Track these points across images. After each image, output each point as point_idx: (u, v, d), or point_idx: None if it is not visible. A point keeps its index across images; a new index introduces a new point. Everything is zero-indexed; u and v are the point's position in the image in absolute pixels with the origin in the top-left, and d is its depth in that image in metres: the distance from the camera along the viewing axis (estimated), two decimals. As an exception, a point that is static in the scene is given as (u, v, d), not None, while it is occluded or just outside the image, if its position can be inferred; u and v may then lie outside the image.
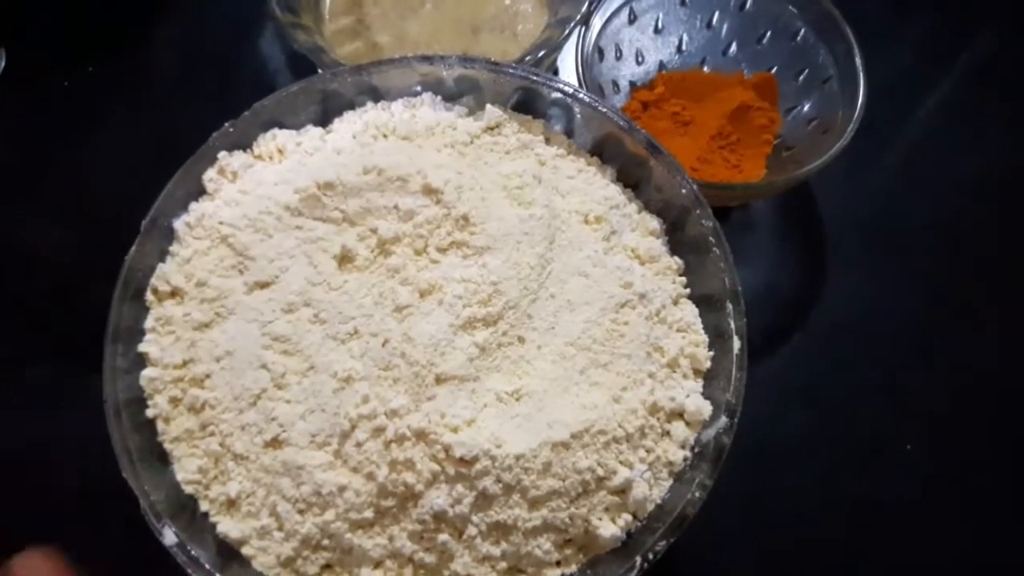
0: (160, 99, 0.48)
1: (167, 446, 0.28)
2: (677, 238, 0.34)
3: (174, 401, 0.29)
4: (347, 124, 0.33)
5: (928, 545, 0.38)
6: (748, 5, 0.45)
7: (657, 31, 0.46)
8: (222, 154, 0.33)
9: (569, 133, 0.35)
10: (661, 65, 0.47)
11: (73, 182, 0.46)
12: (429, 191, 0.31)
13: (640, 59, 0.46)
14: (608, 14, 0.43)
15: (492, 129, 0.34)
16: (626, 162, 0.34)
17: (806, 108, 0.43)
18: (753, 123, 0.44)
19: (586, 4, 0.41)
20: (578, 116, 0.35)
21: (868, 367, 0.42)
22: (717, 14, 0.46)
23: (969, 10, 0.52)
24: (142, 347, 0.29)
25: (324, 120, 0.34)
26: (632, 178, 0.35)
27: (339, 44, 0.45)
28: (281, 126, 0.34)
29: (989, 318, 0.44)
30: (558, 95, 0.34)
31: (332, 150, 0.32)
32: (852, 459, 0.40)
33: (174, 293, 0.30)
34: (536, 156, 0.33)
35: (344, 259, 0.30)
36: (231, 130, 0.33)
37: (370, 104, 0.34)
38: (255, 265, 0.30)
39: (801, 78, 0.44)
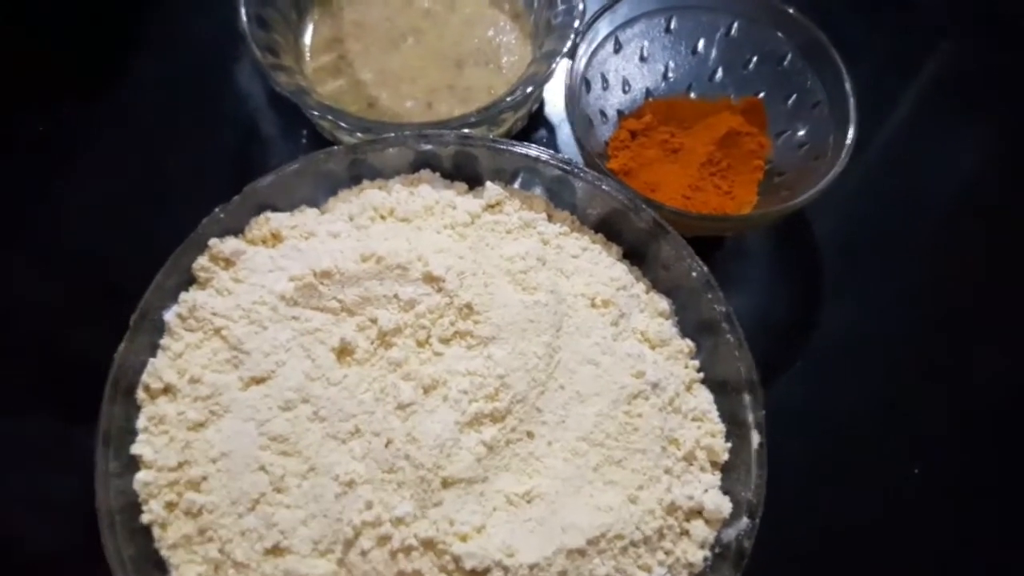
0: (139, 140, 0.47)
1: (164, 553, 0.27)
2: (686, 318, 0.32)
3: (170, 506, 0.27)
4: (343, 204, 0.32)
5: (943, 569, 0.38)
6: (734, 31, 0.44)
7: (643, 59, 0.46)
8: (213, 241, 0.31)
9: (572, 207, 0.34)
10: (648, 92, 0.46)
11: (52, 231, 0.44)
12: (430, 279, 0.30)
13: (627, 87, 0.46)
14: (594, 45, 0.43)
15: (493, 207, 0.33)
16: (631, 238, 0.33)
17: (797, 133, 0.43)
18: (743, 148, 0.44)
19: (571, 38, 0.40)
20: (580, 191, 0.34)
21: (867, 392, 0.42)
22: (702, 41, 0.45)
23: (939, 18, 0.52)
24: (135, 449, 0.28)
25: (317, 197, 0.33)
26: (637, 254, 0.33)
27: (321, 82, 0.44)
28: (273, 208, 0.32)
29: (986, 338, 0.43)
30: (559, 172, 0.33)
31: (328, 233, 0.31)
32: (856, 485, 0.40)
33: (167, 390, 0.29)
34: (539, 235, 0.33)
35: (343, 352, 0.29)
36: (221, 216, 0.31)
37: (366, 182, 0.33)
38: (250, 359, 0.28)
39: (790, 103, 0.44)
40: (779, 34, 0.43)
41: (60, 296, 0.43)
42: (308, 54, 0.45)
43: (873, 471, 0.40)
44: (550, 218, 0.34)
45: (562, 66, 0.41)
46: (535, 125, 0.47)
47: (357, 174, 0.33)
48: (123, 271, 0.42)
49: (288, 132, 0.47)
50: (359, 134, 0.40)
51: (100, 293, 0.42)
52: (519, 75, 0.44)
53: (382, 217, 0.32)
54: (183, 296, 0.30)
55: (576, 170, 0.33)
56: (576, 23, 0.41)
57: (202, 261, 0.31)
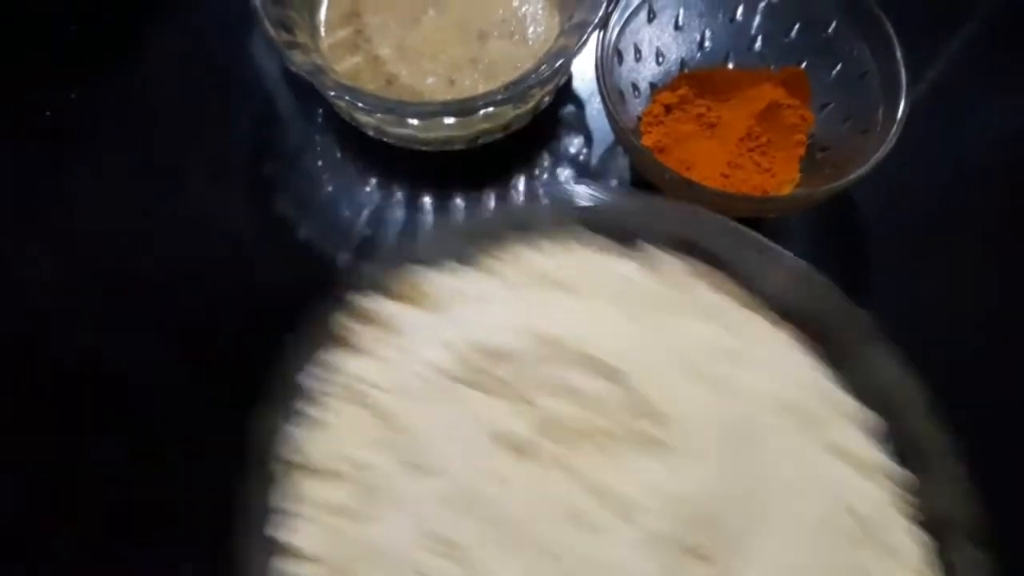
0: (151, 124, 0.45)
1: None
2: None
3: None
4: (492, 260, 0.29)
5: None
6: (773, -3, 0.42)
7: (677, 28, 0.43)
8: (357, 297, 0.28)
9: (751, 284, 0.30)
10: (682, 63, 0.44)
11: (63, 216, 0.43)
12: (609, 371, 0.26)
13: (660, 59, 0.43)
14: (627, 14, 0.40)
15: (668, 282, 0.29)
16: (831, 337, 0.28)
17: (841, 105, 0.40)
18: (784, 122, 0.41)
19: (602, 9, 0.38)
20: (770, 272, 0.29)
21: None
22: (742, 7, 0.43)
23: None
24: (281, 535, 0.24)
25: (461, 252, 0.30)
26: (834, 354, 0.28)
27: (337, 59, 0.42)
28: (413, 259, 0.29)
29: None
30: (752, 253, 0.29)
31: (478, 296, 0.27)
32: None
33: (311, 467, 0.26)
34: (723, 321, 0.28)
35: (508, 443, 0.25)
36: (363, 271, 0.29)
37: (516, 237, 0.29)
38: (409, 441, 0.25)
39: (834, 73, 0.41)
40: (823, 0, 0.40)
41: (75, 285, 0.41)
42: (323, 30, 0.43)
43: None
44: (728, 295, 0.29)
45: (592, 37, 0.38)
46: (563, 100, 0.45)
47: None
48: (137, 256, 0.42)
49: (304, 111, 0.45)
50: (379, 115, 0.38)
51: (114, 278, 0.41)
52: (546, 47, 0.42)
53: (548, 285, 0.28)
54: (325, 358, 0.27)
55: (772, 249, 0.28)
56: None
57: (345, 320, 0.28)
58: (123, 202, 0.43)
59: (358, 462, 0.25)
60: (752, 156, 0.41)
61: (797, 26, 0.42)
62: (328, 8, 0.43)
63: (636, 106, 0.42)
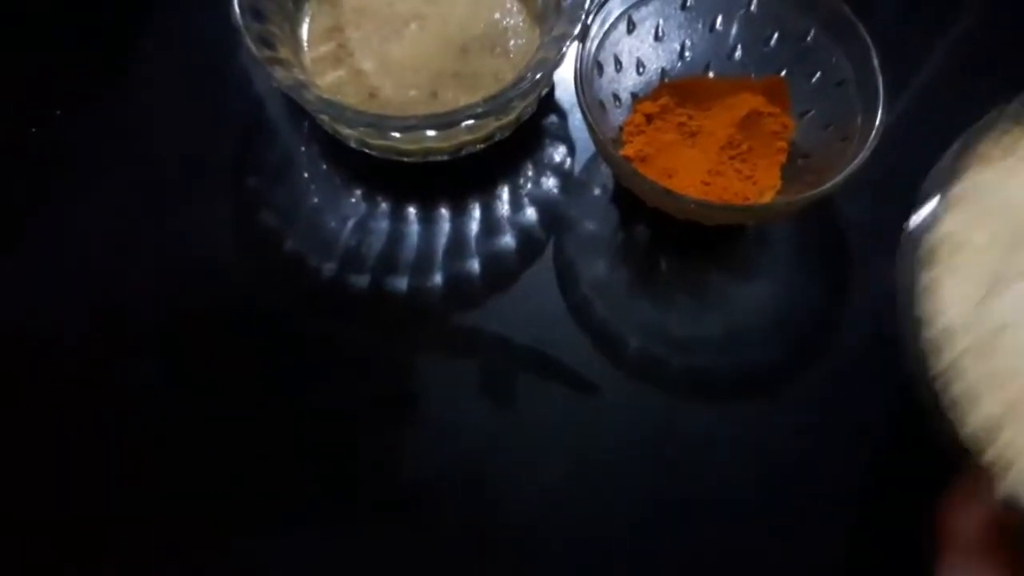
0: (136, 139, 0.45)
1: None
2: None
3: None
4: None
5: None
6: (753, 6, 0.42)
7: (657, 38, 0.43)
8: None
9: None
10: (663, 73, 0.44)
11: (51, 236, 0.43)
12: None
13: (641, 69, 0.43)
14: (606, 26, 0.40)
15: None
16: None
17: (821, 113, 0.41)
18: (765, 130, 0.42)
19: (581, 21, 0.38)
20: None
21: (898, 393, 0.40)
22: (721, 17, 0.43)
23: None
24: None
25: None
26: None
27: (320, 73, 0.42)
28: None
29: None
30: None
31: None
32: (906, 490, 0.37)
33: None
34: None
35: None
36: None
37: None
38: None
39: (814, 80, 0.41)
40: (800, 9, 0.41)
41: (59, 302, 0.42)
42: (306, 44, 0.43)
43: (921, 473, 0.38)
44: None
45: (572, 48, 0.39)
46: (545, 111, 0.45)
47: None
48: (123, 271, 0.42)
49: (289, 123, 0.46)
50: (361, 128, 0.38)
51: (98, 294, 0.41)
52: (526, 58, 0.42)
53: None
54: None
55: None
56: (587, 3, 0.39)
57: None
58: (108, 218, 0.43)
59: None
60: (733, 164, 0.42)
61: (776, 35, 0.42)
62: (310, 22, 0.44)
63: (618, 116, 0.43)
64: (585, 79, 0.39)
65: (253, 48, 0.36)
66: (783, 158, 0.41)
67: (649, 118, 0.43)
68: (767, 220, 0.41)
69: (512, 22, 0.44)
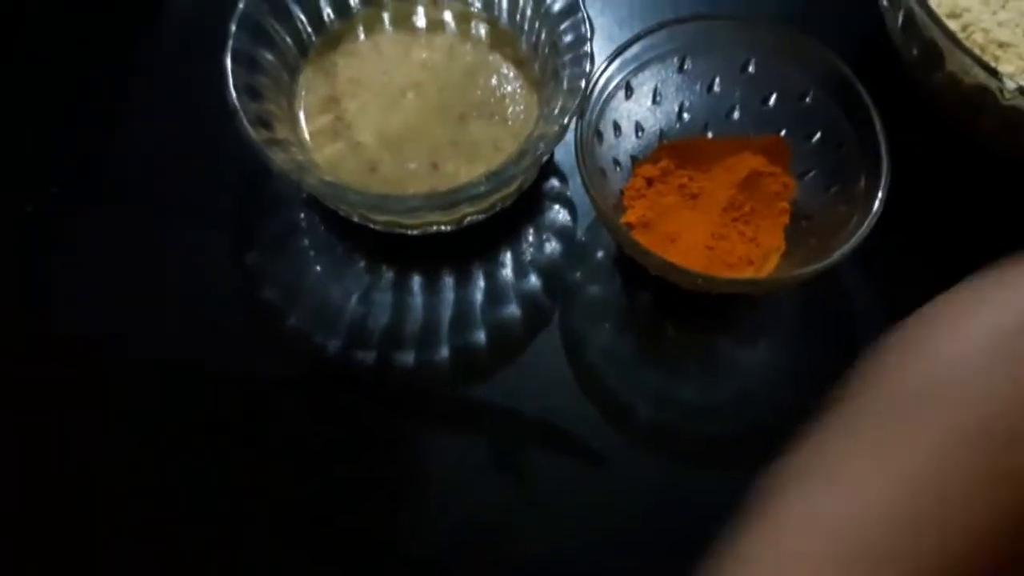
0: (132, 217, 0.45)
1: None
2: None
3: None
4: None
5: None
6: (751, 68, 0.42)
7: (656, 101, 0.43)
8: None
9: None
10: (661, 134, 0.44)
11: (50, 315, 0.42)
12: None
13: (640, 132, 0.43)
14: (605, 95, 0.40)
15: None
16: None
17: (822, 173, 0.41)
18: (766, 190, 0.42)
19: (581, 93, 0.38)
20: None
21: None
22: (718, 78, 0.43)
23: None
24: None
25: None
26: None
27: (319, 147, 0.42)
28: None
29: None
30: None
31: None
32: None
33: None
34: None
35: None
36: None
37: None
38: None
39: (814, 141, 0.41)
40: (799, 69, 0.41)
41: (58, 382, 0.41)
42: (303, 118, 0.43)
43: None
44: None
45: (572, 121, 0.38)
46: (546, 175, 0.45)
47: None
48: (122, 349, 0.41)
49: (288, 195, 0.45)
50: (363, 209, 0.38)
51: (97, 374, 0.41)
52: (526, 126, 0.42)
53: None
54: None
55: None
56: (586, 71, 0.38)
57: None
58: (105, 296, 0.43)
59: None
60: (736, 226, 0.42)
61: (775, 95, 0.42)
62: (307, 94, 0.43)
63: (618, 180, 0.43)
64: (586, 149, 0.39)
65: (251, 131, 0.36)
66: (786, 219, 0.41)
67: (650, 181, 0.43)
68: (772, 291, 0.41)
69: (510, 89, 0.43)
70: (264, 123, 0.38)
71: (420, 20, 0.45)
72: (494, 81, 0.44)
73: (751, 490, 0.33)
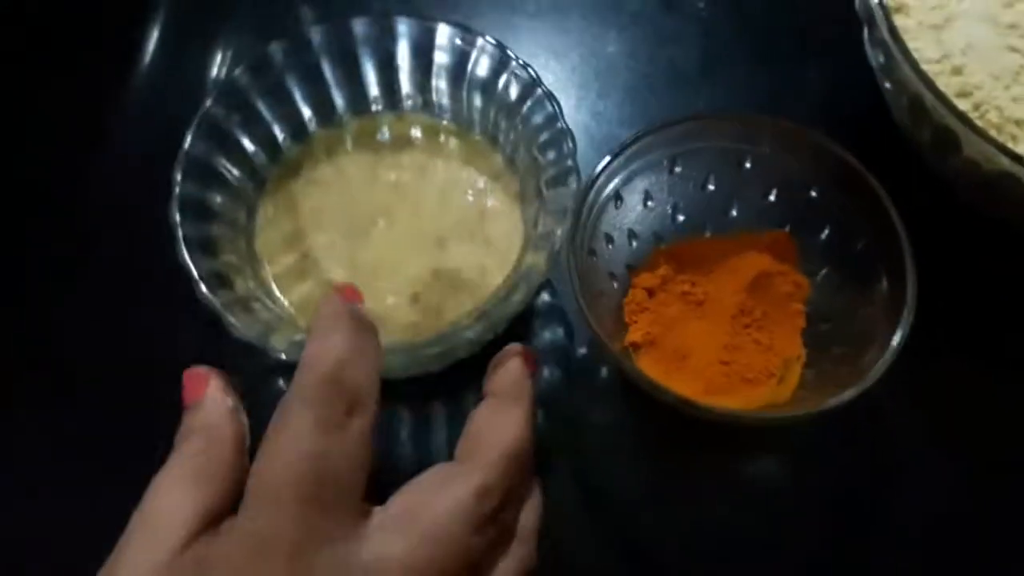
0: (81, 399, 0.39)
1: None
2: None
3: None
4: None
5: None
6: (747, 163, 0.39)
7: (647, 206, 0.40)
8: None
9: None
10: (656, 238, 0.40)
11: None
12: None
13: (633, 240, 0.40)
14: (594, 210, 0.37)
15: None
16: None
17: (837, 272, 0.37)
18: (777, 291, 0.38)
19: (570, 217, 0.34)
20: None
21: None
22: (712, 176, 0.40)
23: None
24: None
25: None
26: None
27: (286, 289, 0.38)
28: None
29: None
30: None
31: None
32: None
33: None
34: None
35: None
36: None
37: None
38: None
39: (823, 236, 0.38)
40: (799, 161, 0.37)
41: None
42: (265, 261, 0.39)
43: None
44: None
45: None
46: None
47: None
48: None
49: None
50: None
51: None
52: (511, 245, 0.39)
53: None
54: None
55: None
56: (572, 190, 0.35)
57: None
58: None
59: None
60: (750, 333, 0.38)
61: (775, 189, 0.39)
62: (267, 229, 0.40)
63: (616, 295, 0.39)
64: (583, 272, 0.35)
65: (208, 295, 0.32)
66: (802, 322, 0.38)
67: (651, 292, 0.39)
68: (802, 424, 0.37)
69: (490, 204, 0.40)
70: (223, 280, 0.34)
71: (384, 136, 0.42)
72: (471, 198, 0.40)
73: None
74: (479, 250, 0.39)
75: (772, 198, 0.39)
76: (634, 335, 0.38)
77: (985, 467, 0.38)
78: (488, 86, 0.39)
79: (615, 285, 0.39)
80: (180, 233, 0.33)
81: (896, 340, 0.32)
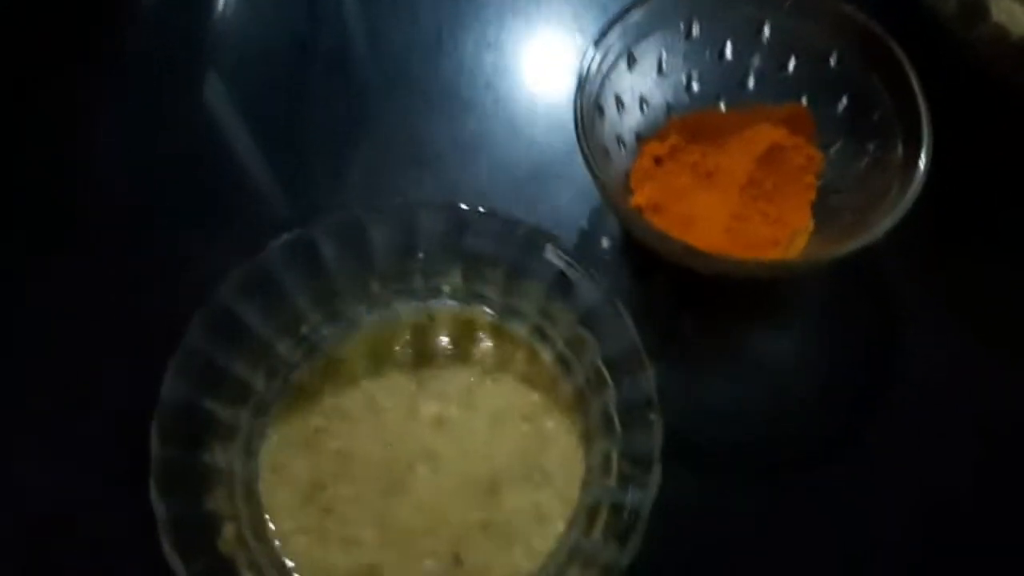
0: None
1: None
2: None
3: None
4: None
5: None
6: (766, 30, 0.33)
7: (661, 73, 0.34)
8: None
9: None
10: (669, 109, 0.36)
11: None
12: None
13: (644, 107, 0.35)
14: (606, 67, 0.33)
15: None
16: None
17: (852, 142, 0.34)
18: (789, 164, 0.35)
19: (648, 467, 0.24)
20: None
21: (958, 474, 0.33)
22: (730, 44, 0.33)
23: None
24: None
25: None
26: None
27: (296, 552, 0.26)
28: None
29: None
30: None
31: None
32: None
33: None
34: None
35: None
36: None
37: None
38: None
39: (841, 107, 0.34)
40: (820, 29, 0.33)
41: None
42: (269, 518, 0.22)
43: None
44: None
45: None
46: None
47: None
48: None
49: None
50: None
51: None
52: (571, 478, 0.30)
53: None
54: None
55: None
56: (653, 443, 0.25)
57: None
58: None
59: None
60: (758, 205, 0.36)
61: (793, 59, 0.33)
62: (275, 490, 0.22)
63: (623, 161, 0.35)
64: (587, 126, 0.32)
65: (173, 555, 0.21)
66: (812, 195, 0.35)
67: (658, 161, 0.36)
68: (802, 275, 0.37)
69: (547, 425, 0.30)
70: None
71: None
72: (525, 428, 0.30)
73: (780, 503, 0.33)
74: (537, 490, 0.29)
75: (790, 69, 0.34)
76: (639, 198, 0.35)
77: (983, 342, 0.36)
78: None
79: (623, 151, 0.35)
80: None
81: (907, 198, 0.32)
